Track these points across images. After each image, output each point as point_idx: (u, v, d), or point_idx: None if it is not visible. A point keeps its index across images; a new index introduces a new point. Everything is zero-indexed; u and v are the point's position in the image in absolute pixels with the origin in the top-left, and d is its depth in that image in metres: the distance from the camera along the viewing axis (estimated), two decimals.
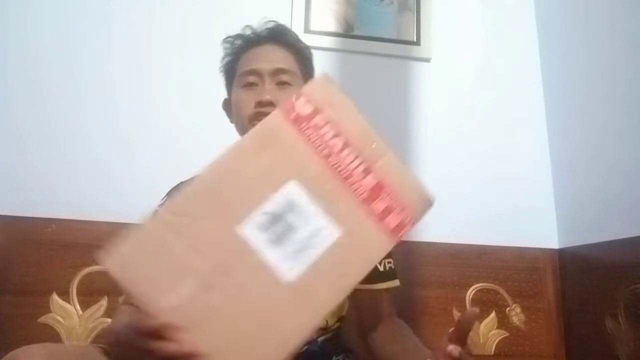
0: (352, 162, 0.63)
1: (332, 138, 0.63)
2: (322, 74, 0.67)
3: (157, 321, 0.54)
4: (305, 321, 0.58)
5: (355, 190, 0.62)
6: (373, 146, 0.64)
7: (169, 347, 0.53)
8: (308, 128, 0.62)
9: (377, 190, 0.63)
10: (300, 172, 0.61)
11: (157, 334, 0.54)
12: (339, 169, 0.62)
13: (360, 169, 0.63)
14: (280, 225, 0.58)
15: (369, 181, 0.62)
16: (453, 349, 0.61)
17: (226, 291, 0.56)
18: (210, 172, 0.59)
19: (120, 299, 1.00)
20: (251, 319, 0.56)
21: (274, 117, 0.62)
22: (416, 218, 0.64)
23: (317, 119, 0.62)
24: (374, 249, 0.62)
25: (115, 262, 0.55)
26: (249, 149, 0.61)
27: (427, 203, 0.65)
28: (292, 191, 0.59)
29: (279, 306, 0.57)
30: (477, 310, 0.64)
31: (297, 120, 0.62)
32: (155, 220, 0.58)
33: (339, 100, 0.65)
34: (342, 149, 0.63)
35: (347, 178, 0.62)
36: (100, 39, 1.49)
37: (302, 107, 0.62)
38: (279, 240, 0.58)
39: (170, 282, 0.55)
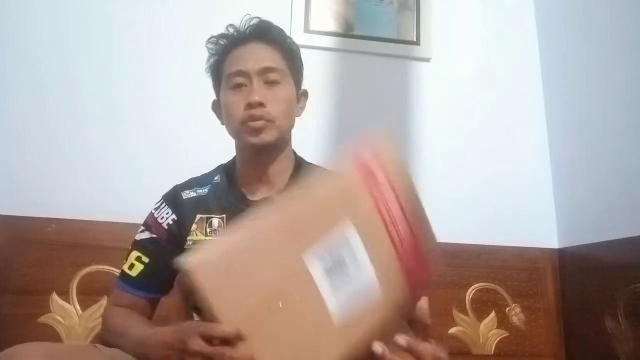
0: (396, 212, 0.70)
1: (387, 192, 0.70)
2: (386, 131, 0.75)
3: (231, 328, 0.57)
4: (338, 351, 0.64)
5: (394, 239, 0.70)
6: (414, 201, 0.73)
7: (233, 354, 0.56)
8: (375, 184, 0.70)
9: (413, 243, 0.71)
10: (357, 214, 0.68)
11: (226, 340, 0.57)
12: (385, 216, 0.70)
13: (402, 223, 0.71)
14: (334, 257, 0.65)
15: (405, 230, 0.71)
16: (399, 338, 0.63)
17: (283, 311, 0.62)
18: (302, 216, 0.66)
19: (110, 300, 1.00)
20: (294, 337, 0.62)
21: (350, 167, 0.70)
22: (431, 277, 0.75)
23: (381, 177, 0.71)
24: (399, 300, 0.70)
25: (200, 269, 0.59)
26: (326, 194, 0.68)
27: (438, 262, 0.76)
28: (348, 229, 0.67)
29: (321, 335, 0.64)
30: (426, 301, 0.67)
31: (365, 174, 0.70)
32: (242, 235, 0.63)
33: (398, 161, 0.74)
34: (393, 201, 0.70)
35: (390, 224, 0.70)
36: (100, 40, 1.49)
37: (370, 162, 0.71)
38: (332, 271, 0.65)
39: (242, 296, 0.60)
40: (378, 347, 0.62)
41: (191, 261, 0.59)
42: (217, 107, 1.03)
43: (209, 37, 1.00)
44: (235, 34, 0.98)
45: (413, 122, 1.61)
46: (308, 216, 0.66)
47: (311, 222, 0.66)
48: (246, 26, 0.98)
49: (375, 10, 1.66)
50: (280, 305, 0.61)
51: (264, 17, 1.00)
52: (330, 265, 0.64)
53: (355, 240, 0.67)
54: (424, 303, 0.67)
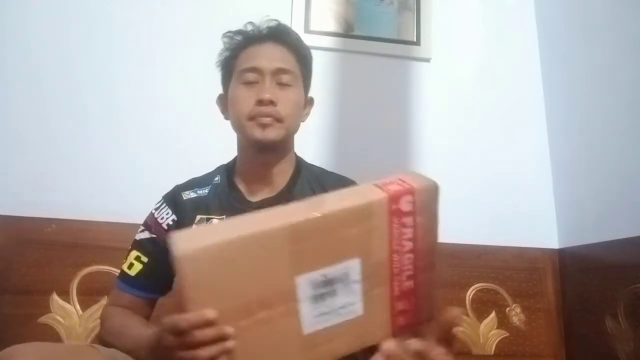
0: (407, 265, 0.68)
1: (407, 239, 0.68)
2: (434, 182, 0.69)
3: (196, 315, 0.56)
4: None
5: (394, 286, 0.68)
6: (428, 259, 0.70)
7: (206, 332, 0.56)
8: (397, 223, 0.67)
9: (408, 294, 0.69)
10: (368, 255, 0.66)
11: (195, 326, 0.56)
12: (395, 265, 0.68)
13: (409, 273, 0.69)
14: (327, 289, 0.64)
15: (408, 285, 0.69)
16: (412, 342, 0.61)
17: (256, 321, 0.60)
18: (304, 220, 0.62)
19: (109, 299, 1.00)
20: (262, 349, 0.62)
21: (380, 202, 0.66)
22: (415, 324, 0.71)
23: (407, 220, 0.67)
24: (377, 335, 0.68)
25: (188, 258, 0.56)
26: (347, 217, 0.64)
27: (429, 317, 0.73)
28: (354, 267, 0.65)
29: (287, 349, 0.63)
30: (457, 310, 0.65)
31: (394, 213, 0.66)
32: (236, 236, 0.60)
33: (432, 212, 0.70)
34: (407, 252, 0.68)
35: (395, 275, 0.68)
36: (100, 40, 1.49)
37: (405, 204, 0.66)
38: (319, 299, 0.63)
39: (221, 296, 0.59)
40: (389, 344, 0.62)
41: (181, 244, 0.56)
42: (222, 101, 1.02)
43: (225, 32, 1.00)
44: (253, 31, 0.99)
45: (413, 122, 1.61)
46: (317, 241, 0.63)
47: (319, 248, 0.63)
48: (264, 26, 0.99)
49: (375, 10, 1.66)
50: (255, 314, 0.60)
51: (266, 16, 1.00)
52: (319, 295, 0.63)
53: (355, 278, 0.65)
54: (456, 312, 0.64)
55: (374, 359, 0.63)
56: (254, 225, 0.61)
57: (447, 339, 0.62)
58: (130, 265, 0.94)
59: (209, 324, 0.56)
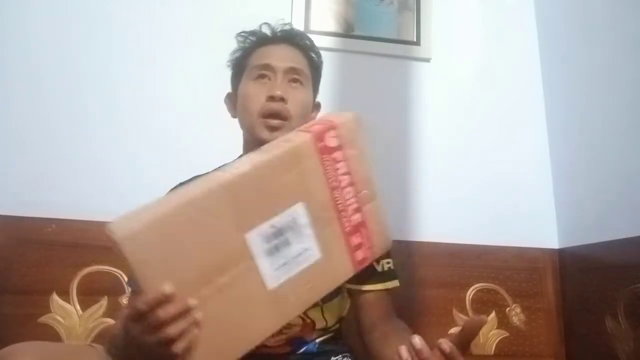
0: (350, 199, 0.71)
1: (342, 174, 0.70)
2: (354, 113, 0.73)
3: (152, 294, 0.54)
4: (271, 324, 0.65)
5: (343, 222, 0.70)
6: (368, 190, 0.73)
7: (168, 309, 0.54)
8: (328, 160, 0.69)
9: (359, 227, 0.72)
10: (310, 197, 0.67)
11: (155, 305, 0.54)
12: (338, 201, 0.70)
13: (354, 206, 0.71)
14: (279, 239, 0.64)
15: (356, 218, 0.71)
16: (443, 342, 0.60)
17: (218, 287, 0.59)
18: (237, 175, 0.62)
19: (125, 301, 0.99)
20: (231, 314, 0.61)
21: (306, 143, 0.67)
22: (375, 256, 0.75)
23: (337, 154, 0.70)
24: (340, 274, 0.71)
25: (126, 238, 0.54)
26: (278, 164, 0.65)
27: (386, 246, 0.77)
28: (299, 212, 0.66)
29: (256, 307, 0.63)
30: (485, 318, 0.65)
31: (322, 150, 0.68)
32: (173, 207, 0.58)
33: (360, 142, 0.73)
34: (346, 186, 0.70)
35: (341, 211, 0.70)
36: (100, 39, 1.49)
37: (330, 139, 0.69)
38: (274, 251, 0.63)
39: (174, 270, 0.57)
40: (417, 341, 0.61)
41: (117, 230, 0.54)
42: (231, 99, 1.03)
43: (239, 31, 1.01)
44: (267, 32, 1.00)
45: (413, 122, 1.61)
46: (255, 193, 0.62)
47: (259, 201, 0.62)
48: (279, 29, 1.00)
49: (375, 10, 1.66)
50: (214, 280, 0.58)
51: (264, 17, 1.01)
52: (273, 246, 0.63)
53: (303, 222, 0.66)
54: (483, 318, 0.63)
55: (401, 350, 0.62)
56: (189, 192, 0.60)
57: (465, 345, 0.62)
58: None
59: (168, 299, 0.54)
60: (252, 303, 0.62)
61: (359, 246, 0.71)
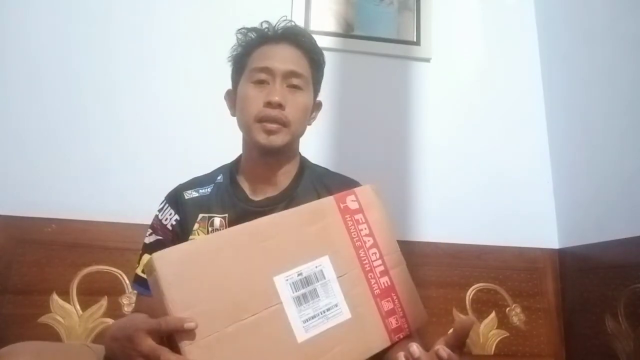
0: (375, 260, 0.73)
1: (365, 235, 0.74)
2: (371, 185, 0.79)
3: (178, 318, 0.57)
4: None
5: (372, 284, 0.71)
6: (394, 255, 0.75)
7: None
8: (350, 220, 0.73)
9: (388, 291, 0.72)
10: (335, 251, 0.70)
11: (175, 331, 0.58)
12: (364, 261, 0.72)
13: (380, 268, 0.73)
14: (307, 289, 0.66)
15: (384, 281, 0.72)
16: (440, 349, 0.60)
17: (244, 325, 0.61)
18: (265, 221, 0.68)
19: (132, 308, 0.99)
20: (257, 355, 0.62)
21: (328, 200, 0.74)
22: (411, 328, 0.73)
23: (359, 216, 0.74)
24: (374, 341, 0.70)
25: (164, 261, 0.59)
26: (303, 216, 0.71)
27: (422, 319, 0.75)
28: (325, 264, 0.69)
29: (282, 355, 0.63)
30: (473, 318, 0.65)
31: (345, 211, 0.73)
32: (208, 240, 0.65)
33: (378, 208, 0.77)
34: (370, 247, 0.73)
35: (368, 272, 0.72)
36: (101, 40, 1.49)
37: (350, 202, 0.74)
38: (302, 301, 0.66)
39: (201, 300, 0.60)
40: (415, 349, 0.61)
41: (157, 253, 0.60)
42: (230, 96, 1.02)
43: (239, 27, 1.00)
44: (268, 30, 0.98)
45: (413, 122, 1.61)
46: (281, 238, 0.67)
47: (286, 247, 0.67)
48: (280, 26, 0.98)
49: (375, 10, 1.66)
50: (240, 317, 0.61)
51: (264, 18, 1.00)
52: (301, 295, 0.65)
53: (331, 276, 0.68)
54: (472, 319, 0.65)
55: (399, 357, 0.62)
56: (224, 231, 0.67)
57: (459, 346, 0.62)
58: (144, 269, 0.95)
59: (189, 329, 0.57)
60: (279, 349, 0.63)
61: (391, 312, 0.71)
